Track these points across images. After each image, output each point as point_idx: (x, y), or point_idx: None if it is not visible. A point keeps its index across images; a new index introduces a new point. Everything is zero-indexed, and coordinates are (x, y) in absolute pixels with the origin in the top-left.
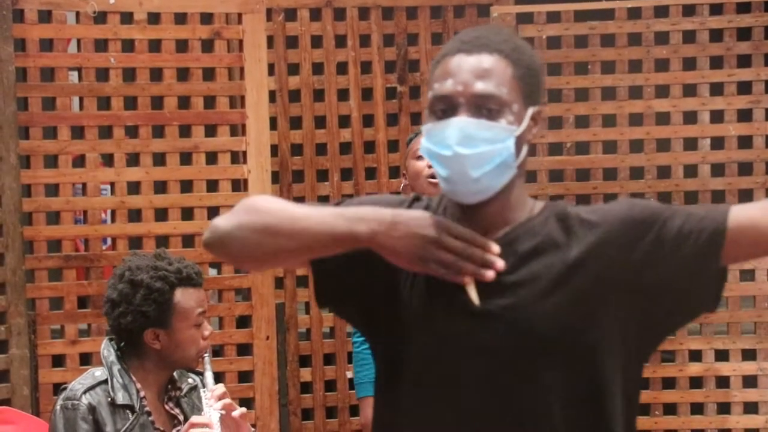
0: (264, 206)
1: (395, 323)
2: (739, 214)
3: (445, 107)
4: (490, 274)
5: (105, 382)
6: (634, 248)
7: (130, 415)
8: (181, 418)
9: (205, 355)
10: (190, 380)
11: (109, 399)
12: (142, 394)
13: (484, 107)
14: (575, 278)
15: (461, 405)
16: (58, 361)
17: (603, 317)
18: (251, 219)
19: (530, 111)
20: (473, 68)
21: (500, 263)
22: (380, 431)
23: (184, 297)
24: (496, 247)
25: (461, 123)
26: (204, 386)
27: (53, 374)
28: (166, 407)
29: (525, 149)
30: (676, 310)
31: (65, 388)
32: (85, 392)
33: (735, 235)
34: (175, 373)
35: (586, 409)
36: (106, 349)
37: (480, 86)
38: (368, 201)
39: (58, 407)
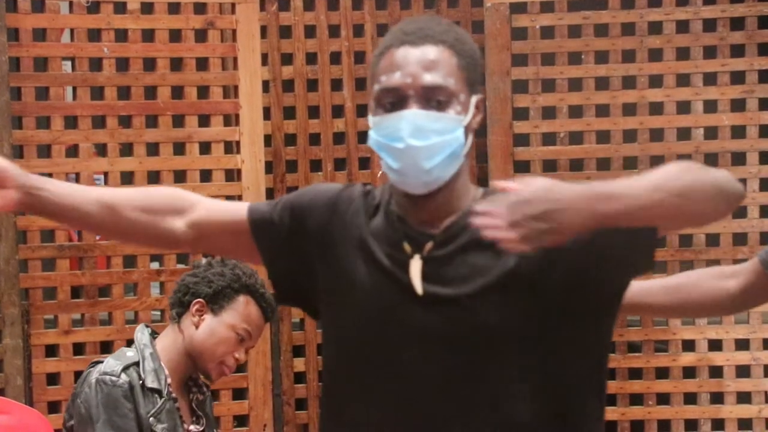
0: None
1: (346, 315)
2: None
3: (394, 100)
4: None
5: (137, 363)
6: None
7: (159, 400)
8: (203, 420)
9: None
10: (204, 389)
11: (140, 381)
12: (169, 380)
13: (434, 99)
14: (517, 269)
15: (404, 391)
16: (51, 351)
17: (547, 306)
18: None
19: (474, 99)
20: (420, 60)
21: None
22: (328, 419)
23: (247, 305)
24: None
25: (413, 115)
26: None
27: (46, 364)
28: (193, 405)
29: (470, 137)
30: (614, 283)
31: (97, 362)
32: (123, 370)
33: None
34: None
35: (530, 397)
36: (140, 332)
37: (428, 78)
38: (311, 192)
39: (93, 380)
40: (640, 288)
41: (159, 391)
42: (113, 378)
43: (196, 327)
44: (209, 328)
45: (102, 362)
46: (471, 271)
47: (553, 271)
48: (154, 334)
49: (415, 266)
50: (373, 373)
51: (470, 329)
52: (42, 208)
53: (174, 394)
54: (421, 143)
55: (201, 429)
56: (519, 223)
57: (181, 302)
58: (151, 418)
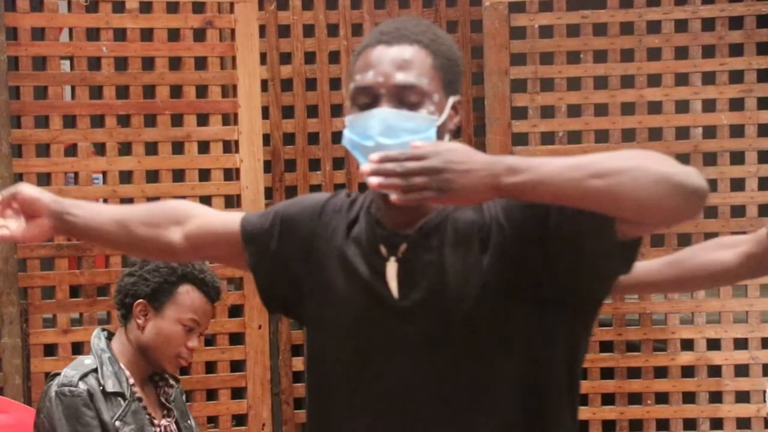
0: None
1: (328, 326)
2: None
3: (367, 98)
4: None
5: (95, 370)
6: (542, 234)
7: (122, 402)
8: (173, 413)
9: None
10: (171, 381)
11: (101, 387)
12: (131, 381)
13: (406, 98)
14: (491, 267)
15: (387, 399)
16: (50, 350)
17: (523, 305)
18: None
19: (451, 100)
20: (393, 59)
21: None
22: (314, 428)
23: (188, 294)
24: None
25: (383, 113)
26: None
27: (45, 363)
28: (161, 399)
29: (447, 138)
30: (591, 283)
31: (56, 375)
32: (81, 379)
33: None
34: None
35: (512, 397)
36: (97, 337)
37: (401, 77)
38: (299, 203)
39: (52, 393)
40: (640, 266)
41: (122, 394)
42: (72, 388)
43: (142, 329)
44: (155, 328)
45: (60, 374)
46: (446, 271)
47: (529, 270)
48: (110, 337)
49: (391, 269)
50: (358, 384)
51: (448, 331)
52: (72, 232)
53: (138, 394)
54: (390, 141)
55: (172, 421)
56: (408, 174)
57: (124, 304)
58: (116, 422)
